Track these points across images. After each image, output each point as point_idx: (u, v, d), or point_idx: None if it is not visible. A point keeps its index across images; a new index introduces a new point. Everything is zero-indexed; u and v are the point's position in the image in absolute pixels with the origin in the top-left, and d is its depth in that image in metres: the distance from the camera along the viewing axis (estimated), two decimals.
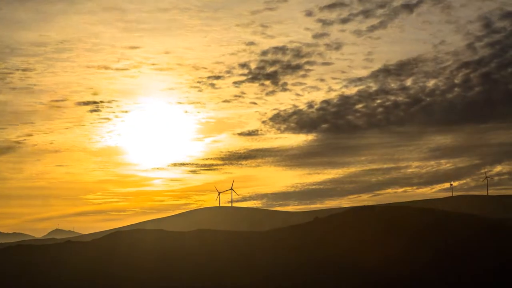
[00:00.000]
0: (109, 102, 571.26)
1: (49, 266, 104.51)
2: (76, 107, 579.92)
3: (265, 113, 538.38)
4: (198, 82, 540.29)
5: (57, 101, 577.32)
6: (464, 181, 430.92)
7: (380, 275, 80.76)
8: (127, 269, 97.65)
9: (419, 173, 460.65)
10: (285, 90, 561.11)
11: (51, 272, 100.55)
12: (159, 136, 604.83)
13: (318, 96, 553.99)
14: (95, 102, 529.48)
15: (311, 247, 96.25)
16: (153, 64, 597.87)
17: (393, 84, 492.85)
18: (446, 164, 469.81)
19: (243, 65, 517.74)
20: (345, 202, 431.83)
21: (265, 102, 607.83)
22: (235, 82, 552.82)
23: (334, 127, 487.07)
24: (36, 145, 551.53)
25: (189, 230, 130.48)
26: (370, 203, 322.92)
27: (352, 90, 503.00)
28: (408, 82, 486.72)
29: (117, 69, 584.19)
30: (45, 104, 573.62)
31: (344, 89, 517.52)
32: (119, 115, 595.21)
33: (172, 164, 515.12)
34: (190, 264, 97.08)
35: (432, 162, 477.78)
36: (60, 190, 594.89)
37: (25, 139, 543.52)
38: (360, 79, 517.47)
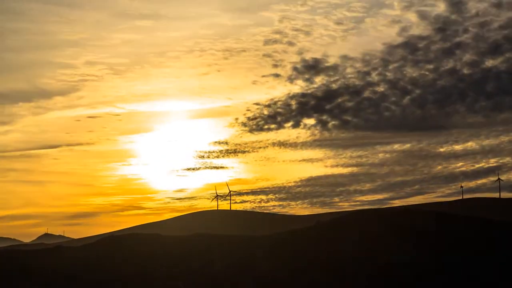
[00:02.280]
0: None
1: (39, 272, 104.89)
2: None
3: (240, 109, 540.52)
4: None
5: None
6: (477, 182, 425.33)
7: (384, 281, 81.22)
8: (120, 275, 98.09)
9: (428, 174, 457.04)
10: (255, 83, 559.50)
11: (40, 279, 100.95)
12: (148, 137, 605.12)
13: (295, 88, 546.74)
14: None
15: (312, 252, 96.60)
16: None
17: (375, 74, 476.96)
18: (457, 163, 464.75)
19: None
20: (348, 205, 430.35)
21: (240, 97, 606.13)
22: (202, 76, 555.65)
23: (320, 122, 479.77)
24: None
25: (186, 234, 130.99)
26: (375, 206, 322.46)
27: (331, 81, 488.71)
28: (390, 72, 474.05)
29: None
30: None
31: (323, 80, 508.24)
32: (109, 116, 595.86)
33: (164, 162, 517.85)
34: (187, 270, 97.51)
35: (442, 162, 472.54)
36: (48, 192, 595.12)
37: None
38: (335, 68, 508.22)
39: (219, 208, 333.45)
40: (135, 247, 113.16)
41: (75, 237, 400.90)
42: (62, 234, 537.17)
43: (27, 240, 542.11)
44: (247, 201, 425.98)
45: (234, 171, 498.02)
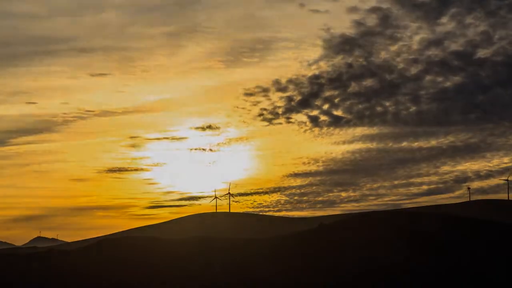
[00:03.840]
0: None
1: (29, 276, 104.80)
2: None
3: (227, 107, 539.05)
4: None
5: None
6: (487, 183, 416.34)
7: (388, 284, 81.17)
8: (114, 280, 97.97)
9: (431, 174, 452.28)
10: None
11: (31, 284, 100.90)
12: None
13: (283, 78, 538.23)
14: None
15: (315, 256, 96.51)
16: None
17: (357, 65, 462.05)
18: (464, 164, 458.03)
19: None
20: (351, 206, 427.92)
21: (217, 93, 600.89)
22: (179, 72, 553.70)
23: (310, 118, 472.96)
24: None
25: (183, 237, 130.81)
26: (379, 208, 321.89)
27: (314, 73, 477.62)
28: (374, 64, 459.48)
29: None
30: None
31: (306, 72, 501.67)
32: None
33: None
34: (183, 275, 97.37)
35: (448, 161, 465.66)
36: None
37: None
38: (318, 61, 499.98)
39: (218, 210, 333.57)
40: (130, 251, 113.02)
41: (69, 240, 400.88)
42: (56, 238, 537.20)
43: (19, 243, 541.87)
44: (242, 201, 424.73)
45: (227, 170, 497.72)
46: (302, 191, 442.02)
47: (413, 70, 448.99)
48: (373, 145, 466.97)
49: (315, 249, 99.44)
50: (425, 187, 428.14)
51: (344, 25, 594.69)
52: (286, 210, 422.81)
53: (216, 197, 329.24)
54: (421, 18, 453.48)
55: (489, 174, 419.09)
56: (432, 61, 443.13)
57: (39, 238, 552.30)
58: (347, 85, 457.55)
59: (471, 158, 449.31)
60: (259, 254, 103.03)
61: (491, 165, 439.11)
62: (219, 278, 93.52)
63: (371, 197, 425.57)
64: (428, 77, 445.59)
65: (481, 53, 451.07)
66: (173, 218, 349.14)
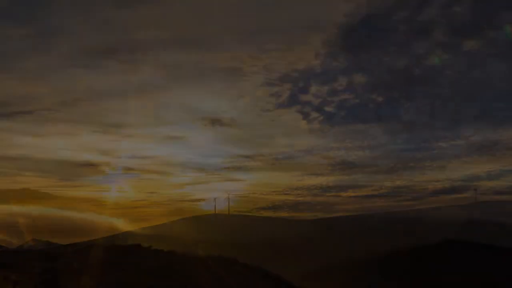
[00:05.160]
0: None
1: (23, 279, 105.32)
2: None
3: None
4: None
5: None
6: (495, 183, 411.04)
7: (390, 285, 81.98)
8: (113, 282, 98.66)
9: (439, 174, 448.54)
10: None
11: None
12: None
13: (277, 75, 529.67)
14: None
15: (321, 260, 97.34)
16: None
17: (343, 59, 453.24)
18: (470, 164, 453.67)
19: None
20: (353, 208, 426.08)
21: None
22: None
23: (306, 115, 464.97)
24: None
25: (183, 239, 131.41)
26: (380, 209, 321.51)
27: (301, 67, 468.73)
28: (363, 60, 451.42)
29: None
30: None
31: (289, 71, 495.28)
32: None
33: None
34: (183, 277, 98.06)
35: (451, 160, 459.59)
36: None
37: None
38: (306, 56, 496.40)
39: (216, 212, 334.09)
40: (128, 254, 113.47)
41: (64, 243, 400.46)
42: (50, 240, 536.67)
43: (11, 245, 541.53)
44: (241, 203, 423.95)
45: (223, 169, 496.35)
46: (300, 192, 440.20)
47: (402, 65, 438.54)
48: (373, 143, 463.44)
49: (321, 253, 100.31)
50: (430, 187, 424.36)
51: (331, 18, 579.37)
52: (285, 211, 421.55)
53: (215, 198, 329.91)
54: (406, 7, 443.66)
55: (500, 174, 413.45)
56: (420, 52, 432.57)
57: (34, 240, 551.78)
58: (336, 80, 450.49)
59: (479, 157, 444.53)
60: (261, 257, 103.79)
61: (499, 165, 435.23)
62: (219, 282, 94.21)
63: (373, 198, 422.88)
64: (418, 71, 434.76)
65: (470, 44, 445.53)
66: (171, 219, 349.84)
